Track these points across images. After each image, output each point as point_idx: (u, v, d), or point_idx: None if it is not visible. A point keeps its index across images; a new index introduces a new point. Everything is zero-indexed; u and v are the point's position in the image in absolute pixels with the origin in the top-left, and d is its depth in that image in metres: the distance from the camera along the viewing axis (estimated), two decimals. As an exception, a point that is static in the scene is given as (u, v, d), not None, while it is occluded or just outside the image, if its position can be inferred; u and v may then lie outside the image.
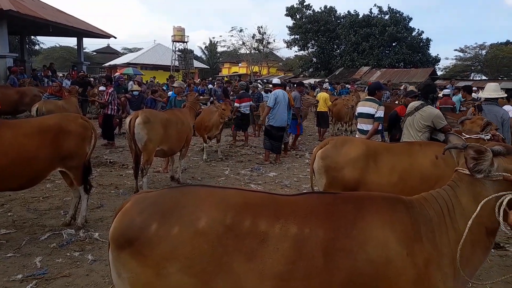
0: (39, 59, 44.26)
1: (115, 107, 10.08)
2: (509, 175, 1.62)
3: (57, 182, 6.50)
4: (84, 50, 27.36)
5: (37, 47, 40.58)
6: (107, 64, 45.25)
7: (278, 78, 14.50)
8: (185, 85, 10.69)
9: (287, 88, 12.44)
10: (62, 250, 4.09)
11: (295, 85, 12.88)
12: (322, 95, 12.16)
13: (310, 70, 40.63)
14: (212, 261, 1.56)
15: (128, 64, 37.25)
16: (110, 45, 55.12)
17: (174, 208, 1.66)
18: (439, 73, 36.17)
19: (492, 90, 5.31)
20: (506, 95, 7.19)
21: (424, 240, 1.65)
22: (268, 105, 8.58)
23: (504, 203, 1.62)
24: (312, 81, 28.09)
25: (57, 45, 48.87)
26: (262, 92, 13.60)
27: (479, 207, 1.65)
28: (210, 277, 1.56)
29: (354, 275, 1.57)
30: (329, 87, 18.53)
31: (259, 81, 24.48)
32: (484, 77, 35.93)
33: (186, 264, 1.56)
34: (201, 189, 1.78)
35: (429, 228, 1.69)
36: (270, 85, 15.00)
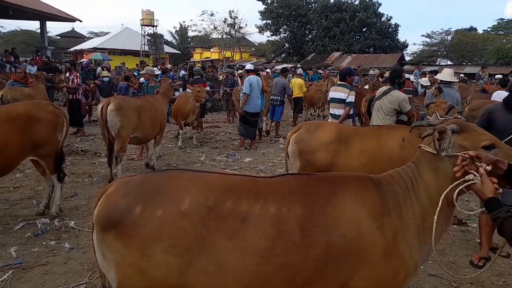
0: (-1, 43, 41.98)
1: (81, 91, 9.85)
2: (463, 156, 1.74)
3: (27, 172, 6.34)
4: (47, 34, 26.12)
5: (-4, 31, 38.45)
6: (72, 49, 43.42)
7: (251, 63, 14.44)
8: (155, 71, 10.46)
9: (261, 73, 12.40)
10: (37, 240, 4.05)
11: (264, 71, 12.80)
12: (297, 81, 12.20)
13: (282, 55, 40.68)
14: (196, 241, 1.64)
15: (95, 49, 35.99)
16: (75, 29, 52.90)
17: (157, 191, 1.71)
18: (407, 58, 37.16)
19: (448, 74, 5.96)
20: (458, 80, 8.18)
21: (392, 213, 1.80)
22: (245, 92, 8.59)
23: (455, 194, 1.75)
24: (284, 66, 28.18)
25: (18, 29, 46.43)
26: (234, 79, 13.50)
27: (440, 202, 1.77)
28: (194, 256, 1.64)
29: (329, 249, 1.69)
30: (302, 73, 18.68)
31: (234, 66, 24.32)
32: (449, 62, 37.23)
33: (171, 244, 1.63)
34: (184, 173, 1.85)
35: (395, 202, 1.83)
36: (240, 71, 14.84)
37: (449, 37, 40.40)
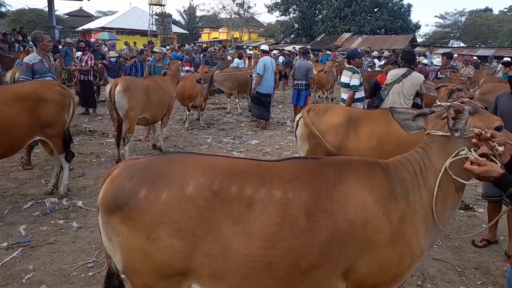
0: (6, 22, 41.73)
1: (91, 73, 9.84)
2: (477, 129, 1.74)
3: (36, 151, 6.39)
4: (55, 13, 25.89)
5: (3, 9, 38.17)
6: (80, 28, 43.17)
7: (264, 45, 14.27)
8: (164, 51, 10.37)
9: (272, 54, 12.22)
10: (46, 218, 4.11)
11: (281, 53, 12.55)
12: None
13: (291, 36, 40.04)
14: (200, 225, 1.63)
15: (103, 29, 35.75)
16: (83, 8, 52.51)
17: (162, 174, 1.70)
18: (419, 40, 36.32)
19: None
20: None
21: (399, 199, 1.77)
22: (258, 73, 8.50)
23: (455, 158, 1.77)
24: (292, 47, 27.76)
25: (26, 7, 46.15)
26: (236, 59, 13.32)
27: (443, 168, 1.78)
28: (199, 239, 1.63)
29: (334, 234, 1.67)
30: (311, 55, 18.34)
31: (243, 47, 24.00)
32: (462, 44, 36.36)
33: (175, 228, 1.63)
34: (189, 156, 1.82)
35: (403, 188, 1.80)
36: (249, 51, 14.65)
37: (463, 18, 39.42)
